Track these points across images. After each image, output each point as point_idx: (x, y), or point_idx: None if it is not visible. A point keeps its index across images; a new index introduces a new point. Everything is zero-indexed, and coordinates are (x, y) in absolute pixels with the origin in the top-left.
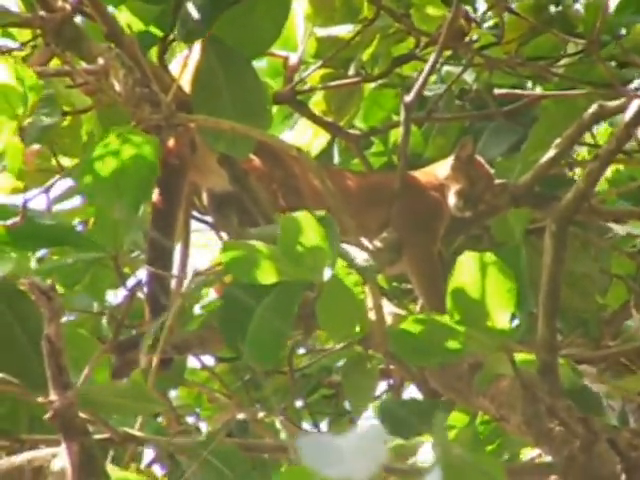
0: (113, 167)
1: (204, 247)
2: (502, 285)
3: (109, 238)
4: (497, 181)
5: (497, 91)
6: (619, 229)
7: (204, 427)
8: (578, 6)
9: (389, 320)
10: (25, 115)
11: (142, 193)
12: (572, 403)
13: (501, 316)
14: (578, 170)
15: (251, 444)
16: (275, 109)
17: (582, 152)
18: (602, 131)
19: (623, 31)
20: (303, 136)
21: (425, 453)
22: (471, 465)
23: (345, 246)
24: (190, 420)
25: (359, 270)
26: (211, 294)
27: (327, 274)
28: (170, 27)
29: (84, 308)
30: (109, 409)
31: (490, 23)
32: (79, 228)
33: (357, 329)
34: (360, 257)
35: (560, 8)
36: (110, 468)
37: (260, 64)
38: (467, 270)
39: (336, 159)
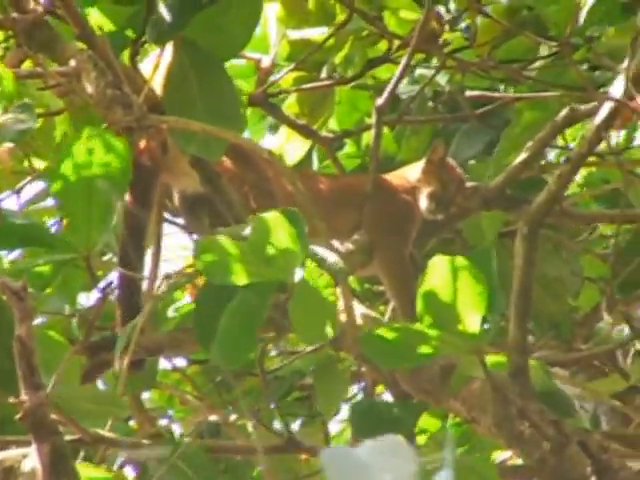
0: (84, 170)
1: (176, 249)
2: (473, 288)
3: (81, 239)
4: (469, 184)
5: (469, 93)
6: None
7: (177, 429)
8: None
9: (361, 322)
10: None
11: (114, 195)
12: (544, 406)
13: (472, 319)
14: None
15: (223, 446)
16: (249, 111)
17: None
18: (573, 132)
19: (595, 34)
20: (278, 139)
21: None
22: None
23: (316, 248)
24: (163, 422)
25: (330, 271)
26: (186, 298)
27: (298, 275)
28: (142, 29)
29: (56, 310)
30: (77, 413)
31: (462, 25)
32: (53, 227)
33: (328, 331)
34: (331, 258)
35: (533, 12)
36: (80, 466)
37: (233, 65)
38: (438, 273)
39: (315, 164)
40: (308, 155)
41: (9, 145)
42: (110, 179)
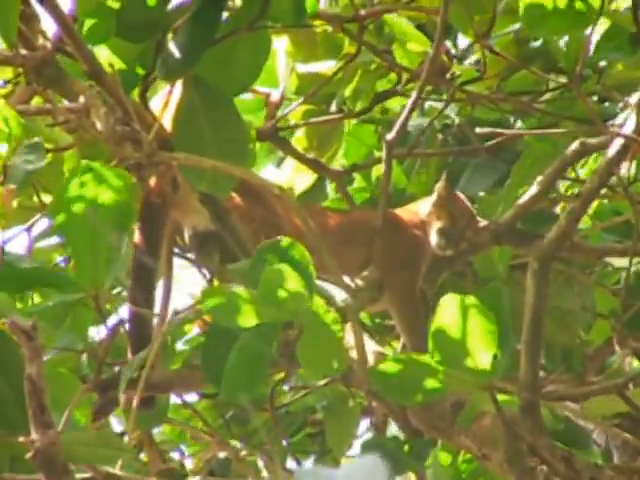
0: (86, 204)
1: (186, 284)
2: (484, 327)
3: (88, 278)
4: (479, 219)
5: (479, 130)
6: (602, 263)
7: (189, 463)
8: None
9: (372, 359)
10: (8, 155)
11: (119, 230)
12: (554, 441)
13: (483, 356)
14: (562, 206)
15: None
16: (258, 145)
17: (566, 185)
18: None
19: (604, 65)
20: (287, 173)
21: None
22: None
23: (325, 285)
24: (175, 456)
25: (339, 308)
26: (194, 329)
27: (306, 315)
28: (152, 65)
29: (66, 346)
30: (83, 458)
31: (472, 59)
32: (62, 264)
33: (336, 366)
34: (340, 295)
35: (541, 42)
36: None
37: (242, 100)
38: (449, 312)
39: (330, 194)
40: (320, 187)
41: (12, 186)
42: (112, 211)
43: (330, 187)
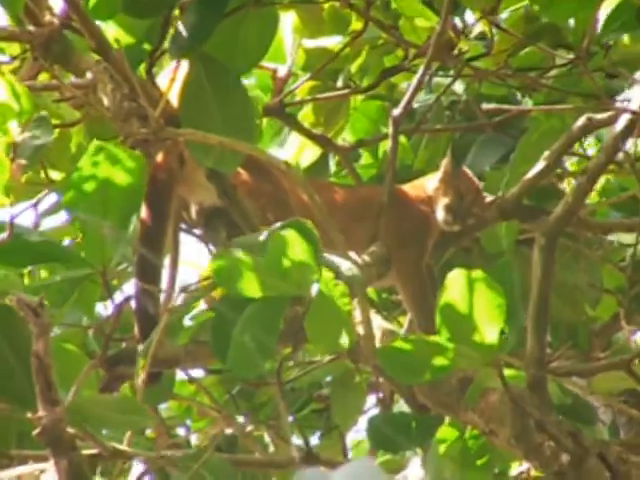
0: (98, 183)
1: (193, 261)
2: (491, 301)
3: (97, 254)
4: (485, 194)
5: (485, 106)
6: (609, 239)
7: (195, 439)
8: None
9: (378, 334)
10: (18, 131)
11: (129, 209)
12: (562, 417)
13: (490, 331)
14: (568, 181)
15: (240, 459)
16: (265, 124)
17: (573, 162)
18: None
19: (611, 42)
20: (292, 148)
21: (414, 468)
22: None
23: (332, 258)
24: (181, 432)
25: (346, 282)
26: (201, 305)
27: (314, 289)
28: (159, 42)
29: (73, 322)
30: (99, 422)
31: (478, 32)
32: (68, 244)
33: (344, 341)
34: (347, 268)
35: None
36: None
37: (249, 77)
38: (456, 287)
39: (332, 169)
40: (323, 163)
41: (22, 161)
42: (123, 191)
43: (333, 163)
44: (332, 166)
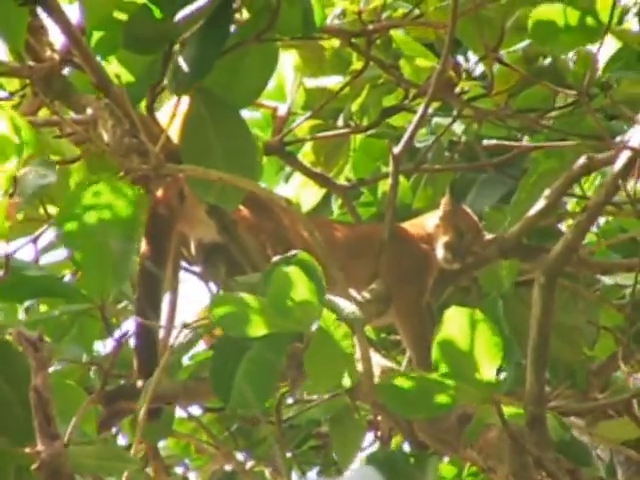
0: (92, 215)
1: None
2: (489, 339)
3: (95, 288)
4: (485, 234)
5: (486, 142)
6: (607, 280)
7: (193, 478)
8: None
9: (377, 371)
10: (19, 167)
11: (126, 243)
12: (560, 455)
13: (488, 368)
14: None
15: None
16: (266, 162)
17: (574, 203)
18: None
19: (612, 82)
20: (293, 187)
21: None
22: None
23: (333, 297)
24: (179, 470)
25: (347, 321)
26: (200, 344)
27: (314, 326)
28: (159, 78)
29: (72, 358)
30: (89, 470)
31: (479, 73)
32: (67, 279)
33: (345, 380)
34: (348, 308)
35: (550, 60)
36: None
37: (250, 115)
38: (454, 323)
39: (334, 209)
40: (325, 202)
41: (16, 199)
42: (119, 226)
43: (335, 203)
44: (335, 207)
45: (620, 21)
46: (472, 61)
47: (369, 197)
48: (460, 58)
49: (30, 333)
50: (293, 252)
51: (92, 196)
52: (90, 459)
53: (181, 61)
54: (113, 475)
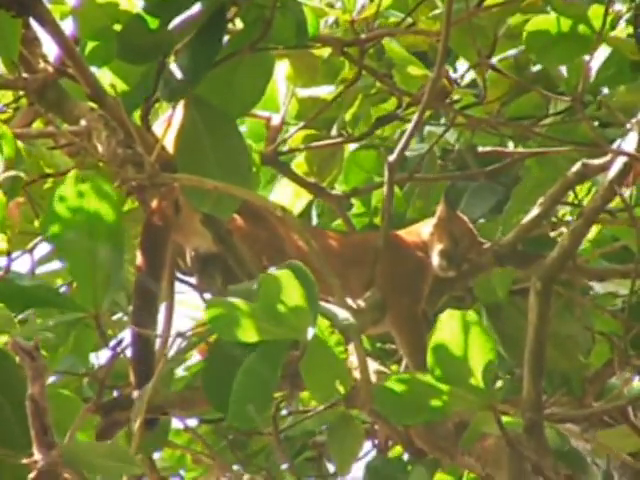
0: (79, 218)
1: (188, 308)
2: (484, 344)
3: (88, 297)
4: (481, 240)
5: (480, 149)
6: (601, 287)
7: None
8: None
9: (374, 378)
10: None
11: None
12: (558, 462)
13: (482, 374)
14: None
15: None
16: (260, 171)
17: (568, 211)
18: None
19: (605, 91)
20: (284, 196)
21: None
22: None
23: (328, 305)
24: None
25: (342, 329)
26: (194, 356)
27: (309, 333)
28: (154, 88)
29: (68, 369)
30: (92, 469)
31: (469, 80)
32: (63, 290)
33: (340, 388)
34: (342, 316)
35: (541, 67)
36: None
37: (243, 127)
38: (448, 328)
39: (314, 220)
40: (307, 209)
41: (18, 200)
42: (105, 231)
43: (315, 215)
44: (314, 218)
45: (613, 26)
46: (460, 71)
47: (361, 208)
48: (451, 67)
49: (26, 343)
50: (289, 262)
51: (76, 197)
52: (95, 458)
53: (174, 69)
54: (117, 476)
